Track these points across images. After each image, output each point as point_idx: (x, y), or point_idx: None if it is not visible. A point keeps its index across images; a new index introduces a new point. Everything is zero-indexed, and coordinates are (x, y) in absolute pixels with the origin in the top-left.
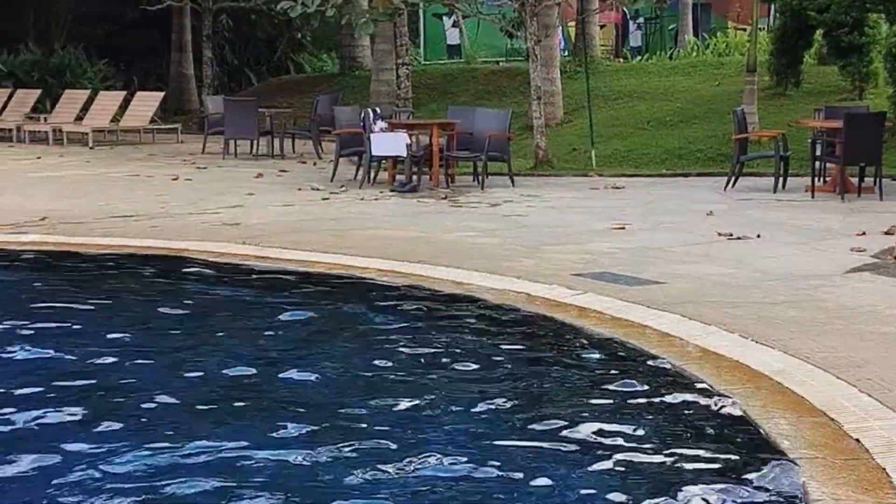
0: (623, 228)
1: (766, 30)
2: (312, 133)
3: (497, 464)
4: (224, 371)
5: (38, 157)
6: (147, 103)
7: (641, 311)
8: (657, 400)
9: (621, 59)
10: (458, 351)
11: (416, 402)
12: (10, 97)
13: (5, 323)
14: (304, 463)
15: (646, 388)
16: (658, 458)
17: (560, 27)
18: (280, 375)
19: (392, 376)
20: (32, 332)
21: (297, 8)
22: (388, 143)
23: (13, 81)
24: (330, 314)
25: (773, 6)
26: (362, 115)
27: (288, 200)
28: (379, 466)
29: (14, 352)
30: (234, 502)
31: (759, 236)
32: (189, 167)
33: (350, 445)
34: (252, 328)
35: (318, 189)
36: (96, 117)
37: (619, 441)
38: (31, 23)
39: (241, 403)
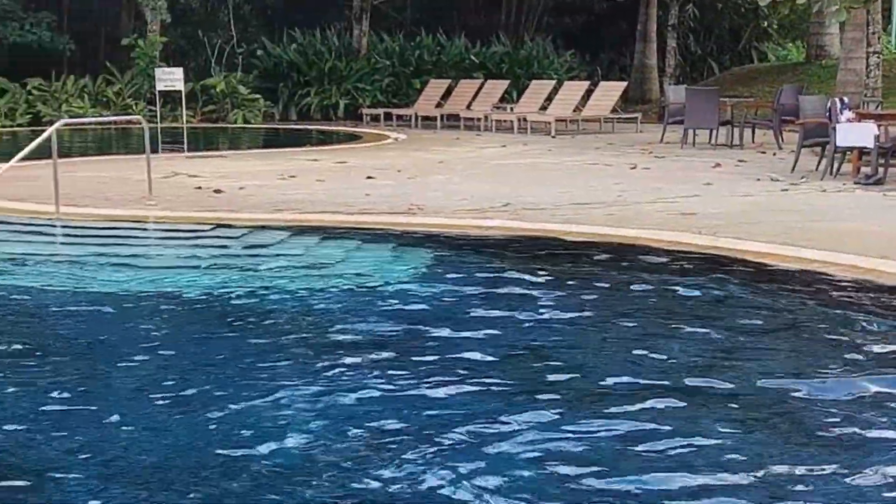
0: None
1: None
2: (774, 123)
3: None
4: (676, 359)
5: (503, 146)
6: (609, 93)
7: None
8: None
9: None
10: None
11: None
12: (480, 88)
13: (467, 301)
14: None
15: None
16: None
17: None
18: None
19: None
20: (488, 310)
21: None
22: (855, 133)
23: (483, 73)
24: (778, 307)
25: None
26: (828, 104)
27: (745, 191)
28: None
29: (476, 327)
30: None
31: None
32: (647, 156)
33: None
34: (702, 319)
35: (777, 180)
36: (559, 107)
37: None
38: (505, 16)
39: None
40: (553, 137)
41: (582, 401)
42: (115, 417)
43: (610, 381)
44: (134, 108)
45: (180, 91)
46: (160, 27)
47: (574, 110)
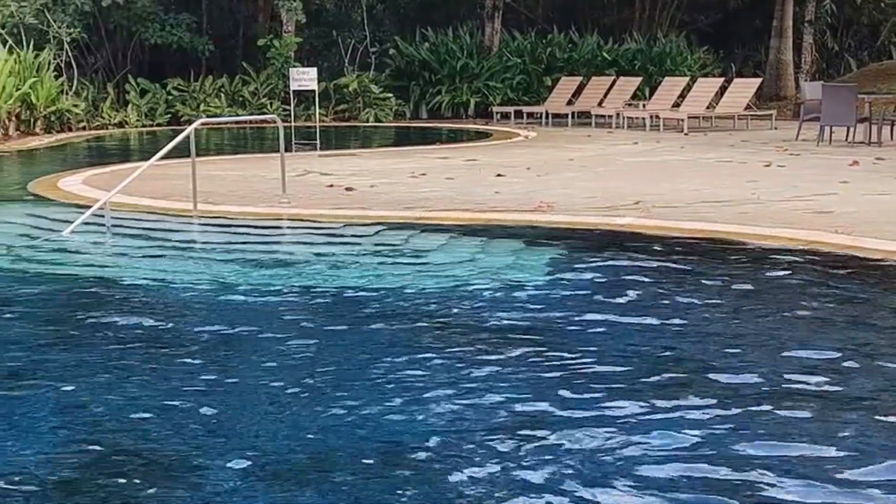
0: None
1: None
2: None
3: None
4: (793, 360)
5: (635, 143)
6: (743, 90)
7: None
8: None
9: None
10: None
11: None
12: (612, 85)
13: (597, 300)
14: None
15: None
16: None
17: None
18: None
19: None
20: (618, 309)
21: None
22: None
23: (616, 70)
24: None
25: None
26: None
27: (884, 189)
28: None
29: (606, 326)
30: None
31: None
32: (781, 154)
33: None
34: (835, 320)
35: None
36: (692, 104)
37: None
38: (638, 13)
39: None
40: (686, 135)
41: (725, 404)
42: (254, 410)
43: (753, 382)
44: (269, 107)
45: (314, 90)
46: (295, 28)
47: (707, 107)
